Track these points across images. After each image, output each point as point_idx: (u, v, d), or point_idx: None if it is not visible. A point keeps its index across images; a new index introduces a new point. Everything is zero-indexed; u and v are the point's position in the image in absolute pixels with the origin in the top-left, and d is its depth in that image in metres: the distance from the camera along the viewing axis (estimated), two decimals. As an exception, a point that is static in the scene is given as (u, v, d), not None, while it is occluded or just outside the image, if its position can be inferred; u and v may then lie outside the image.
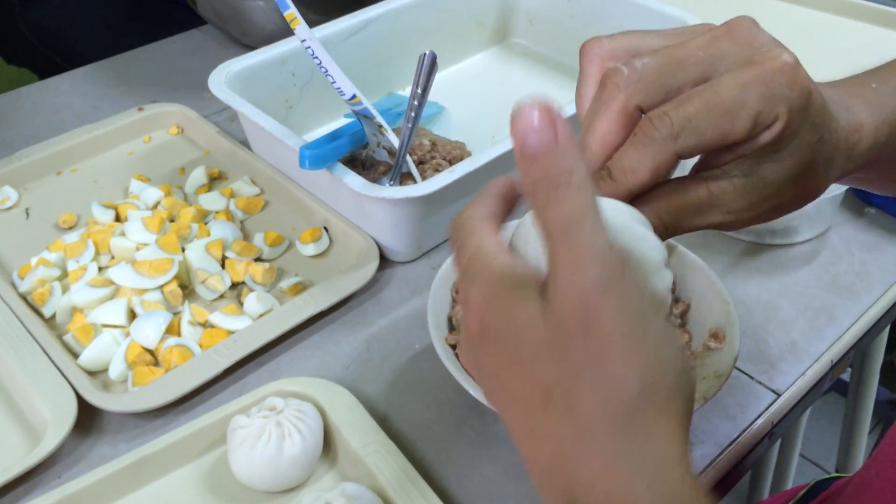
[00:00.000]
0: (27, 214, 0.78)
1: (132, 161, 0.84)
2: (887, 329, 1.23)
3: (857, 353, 0.70)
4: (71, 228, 0.76)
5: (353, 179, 0.66)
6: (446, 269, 0.61)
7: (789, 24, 1.05)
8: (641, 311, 0.29)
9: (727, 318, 0.57)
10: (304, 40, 0.66)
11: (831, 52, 0.99)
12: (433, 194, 0.66)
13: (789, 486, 1.24)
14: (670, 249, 0.61)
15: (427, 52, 0.68)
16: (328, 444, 0.57)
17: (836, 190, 0.71)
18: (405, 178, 0.71)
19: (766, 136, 0.35)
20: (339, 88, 0.67)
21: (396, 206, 0.67)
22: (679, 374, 0.29)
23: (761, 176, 0.37)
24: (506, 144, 0.70)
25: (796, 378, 0.63)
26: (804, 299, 0.69)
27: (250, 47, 0.94)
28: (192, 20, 1.27)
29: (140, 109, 0.88)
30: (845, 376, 1.48)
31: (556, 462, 0.29)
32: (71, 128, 0.87)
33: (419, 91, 0.69)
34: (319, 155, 0.65)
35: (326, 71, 0.66)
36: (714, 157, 0.38)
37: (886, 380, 1.56)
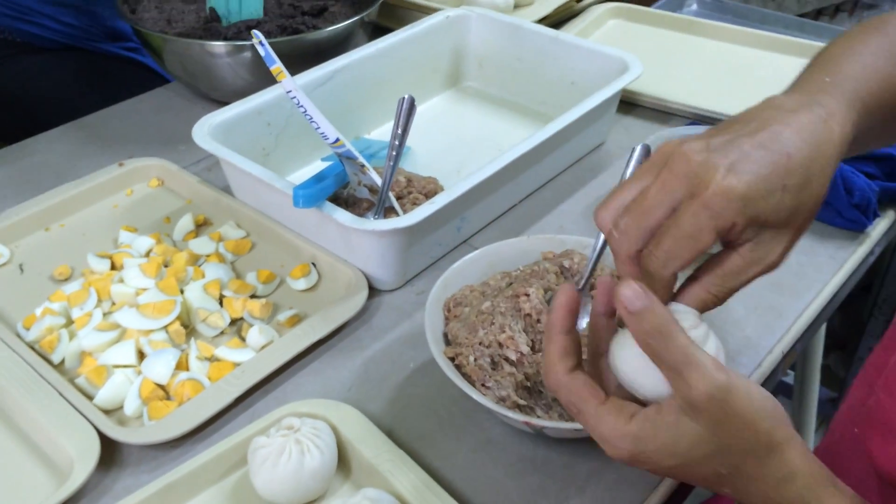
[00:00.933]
0: (21, 269, 0.80)
1: (118, 213, 0.88)
2: (824, 332, 1.33)
3: (803, 344, 0.78)
4: (66, 280, 0.79)
5: (343, 215, 0.72)
6: (436, 291, 0.67)
7: (712, 58, 1.16)
8: (744, 390, 0.42)
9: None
10: (290, 91, 0.71)
11: (750, 80, 1.09)
12: (417, 225, 0.72)
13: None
14: None
15: (406, 96, 0.75)
16: (341, 458, 0.61)
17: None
18: (388, 212, 0.77)
19: (735, 235, 0.43)
20: (322, 133, 0.73)
21: (383, 237, 0.72)
22: (773, 416, 0.43)
23: (768, 232, 0.44)
24: (475, 178, 0.77)
25: (754, 369, 0.70)
26: (753, 300, 0.77)
27: (219, 102, 1.00)
28: (152, 80, 1.31)
29: (121, 165, 0.92)
30: (789, 379, 1.58)
31: (738, 494, 0.45)
32: (52, 186, 0.90)
33: (399, 132, 0.75)
34: (311, 194, 0.70)
35: (311, 118, 0.72)
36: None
37: (826, 381, 1.67)
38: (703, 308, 0.46)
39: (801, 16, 1.49)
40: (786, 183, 0.42)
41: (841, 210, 0.83)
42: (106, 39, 1.35)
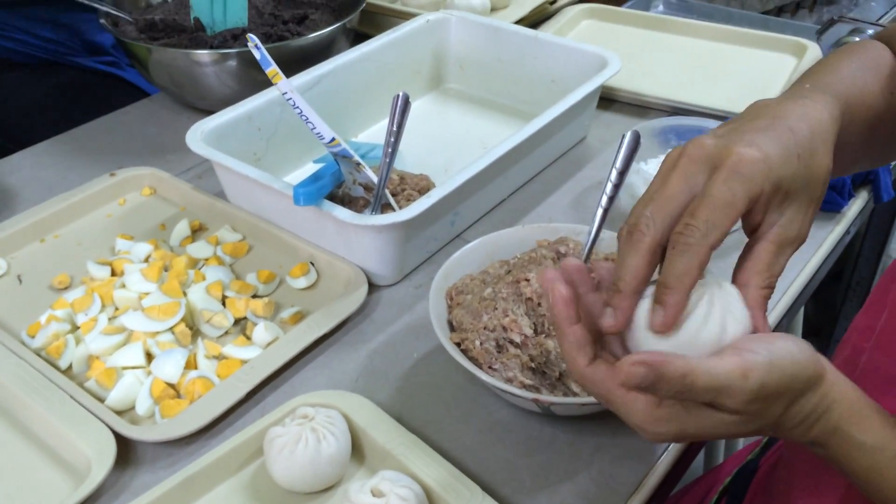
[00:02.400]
0: (20, 280, 0.81)
1: (112, 222, 0.89)
2: (801, 320, 1.37)
3: (787, 321, 0.81)
4: (66, 288, 0.79)
5: (342, 212, 0.73)
6: (438, 280, 0.69)
7: (684, 54, 1.19)
8: (769, 368, 0.41)
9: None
10: (286, 93, 0.73)
11: (721, 73, 1.13)
12: (415, 219, 0.74)
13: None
14: None
15: (400, 93, 0.77)
16: (354, 445, 0.63)
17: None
18: (385, 208, 0.79)
19: (762, 207, 0.44)
20: (318, 133, 0.74)
21: (382, 232, 0.74)
22: (802, 364, 0.43)
23: (792, 204, 0.45)
24: (467, 173, 0.79)
25: (744, 344, 0.73)
26: (739, 279, 0.80)
27: (205, 111, 1.01)
28: (132, 93, 1.32)
29: (112, 175, 0.93)
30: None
31: (778, 435, 0.46)
32: (43, 199, 0.91)
33: (395, 128, 0.77)
34: (311, 192, 0.72)
35: (307, 119, 0.74)
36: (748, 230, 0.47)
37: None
38: (765, 305, 0.46)
39: (765, 13, 1.54)
40: (798, 152, 0.44)
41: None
42: (84, 53, 1.36)
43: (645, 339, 0.45)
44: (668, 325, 0.43)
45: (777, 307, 0.77)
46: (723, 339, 0.43)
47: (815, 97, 0.49)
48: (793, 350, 0.42)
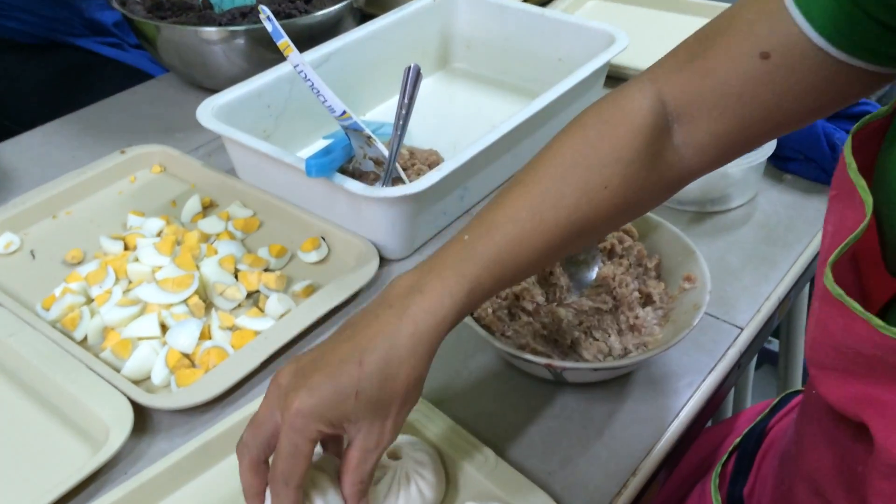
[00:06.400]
0: (33, 256, 0.81)
1: (123, 199, 0.89)
2: (807, 292, 1.37)
3: (796, 292, 0.82)
4: (80, 263, 0.80)
5: (354, 185, 0.74)
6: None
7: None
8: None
9: (695, 262, 0.67)
10: (297, 65, 0.73)
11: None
12: (426, 191, 0.74)
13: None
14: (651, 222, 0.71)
15: (412, 65, 0.77)
16: (369, 413, 0.63)
17: (759, 160, 0.84)
18: (395, 182, 0.79)
19: (338, 433, 0.49)
20: (329, 106, 0.75)
21: (393, 205, 0.75)
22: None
23: (364, 426, 0.48)
24: (477, 147, 0.80)
25: (753, 315, 0.74)
26: (747, 252, 0.80)
27: (212, 90, 1.01)
28: (136, 74, 1.32)
29: (122, 152, 0.93)
30: (773, 347, 1.62)
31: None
32: (53, 177, 0.91)
33: (406, 101, 0.77)
34: (323, 164, 0.73)
35: (318, 92, 0.74)
36: None
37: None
38: (361, 497, 0.50)
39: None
40: (358, 389, 0.47)
41: (825, 167, 0.87)
42: (86, 32, 1.35)
43: None
44: None
45: (787, 277, 0.78)
46: None
47: (436, 285, 0.49)
48: None
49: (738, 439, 0.73)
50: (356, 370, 0.47)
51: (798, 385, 1.50)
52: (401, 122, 0.77)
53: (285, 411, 0.47)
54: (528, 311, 0.64)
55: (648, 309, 0.68)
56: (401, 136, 0.78)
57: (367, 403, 0.47)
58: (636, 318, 0.66)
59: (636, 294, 0.67)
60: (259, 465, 0.50)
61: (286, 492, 0.48)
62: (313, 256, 0.80)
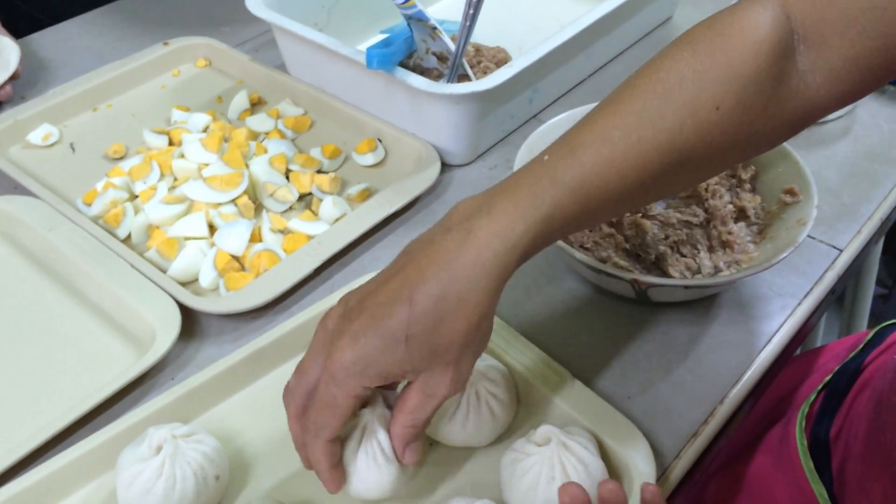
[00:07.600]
0: (73, 149, 0.77)
1: (166, 94, 0.84)
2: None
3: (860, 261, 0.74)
4: (122, 158, 0.75)
5: (417, 80, 0.67)
6: (522, 155, 0.63)
7: None
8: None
9: (799, 175, 0.60)
10: (358, -56, 0.66)
11: None
12: (494, 89, 0.67)
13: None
14: None
15: (484, -51, 0.69)
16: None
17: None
18: (461, 79, 0.72)
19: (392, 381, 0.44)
20: (392, -10, 0.68)
21: (459, 103, 0.68)
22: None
23: (423, 372, 0.43)
24: (549, 44, 0.72)
25: (853, 236, 0.67)
26: (846, 168, 0.73)
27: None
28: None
29: (165, 44, 0.87)
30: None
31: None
32: (93, 67, 0.86)
33: (477, -12, 0.70)
34: (385, 55, 0.66)
35: (380, -25, 0.67)
36: None
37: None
38: (409, 441, 0.45)
39: None
40: (409, 333, 0.40)
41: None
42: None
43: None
44: (331, 489, 0.46)
45: (891, 195, 0.70)
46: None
47: (506, 208, 0.41)
48: None
49: (828, 377, 0.67)
50: (405, 310, 0.40)
51: (863, 326, 1.43)
52: (471, 12, 0.70)
53: (328, 359, 0.42)
54: (610, 222, 0.58)
55: (742, 224, 0.61)
56: (470, 27, 0.70)
57: (422, 350, 0.41)
58: (729, 233, 0.60)
59: (730, 207, 0.61)
60: (304, 414, 0.45)
61: (315, 443, 0.44)
62: (369, 159, 0.74)
